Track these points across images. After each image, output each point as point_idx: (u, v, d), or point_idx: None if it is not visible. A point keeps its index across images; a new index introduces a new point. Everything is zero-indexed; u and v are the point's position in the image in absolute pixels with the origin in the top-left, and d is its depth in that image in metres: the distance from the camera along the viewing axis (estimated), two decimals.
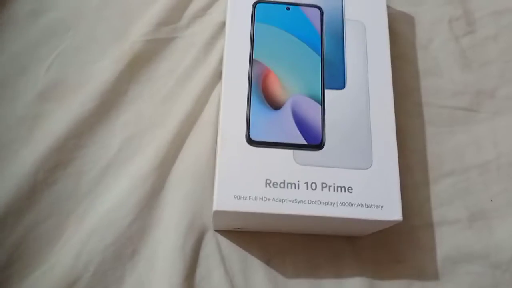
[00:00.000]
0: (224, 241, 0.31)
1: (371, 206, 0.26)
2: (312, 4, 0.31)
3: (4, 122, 0.32)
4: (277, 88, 0.29)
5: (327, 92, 0.29)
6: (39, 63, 0.34)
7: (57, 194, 0.30)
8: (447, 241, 0.32)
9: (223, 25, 0.35)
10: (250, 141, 0.27)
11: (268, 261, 0.31)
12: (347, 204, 0.26)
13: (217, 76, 0.34)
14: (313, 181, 0.26)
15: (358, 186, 0.27)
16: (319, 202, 0.26)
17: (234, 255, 0.30)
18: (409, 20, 0.38)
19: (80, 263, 0.28)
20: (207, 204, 0.31)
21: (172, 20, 0.36)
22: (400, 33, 0.37)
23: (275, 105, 0.28)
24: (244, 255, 0.31)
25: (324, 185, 0.26)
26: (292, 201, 0.26)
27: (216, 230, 0.31)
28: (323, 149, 0.27)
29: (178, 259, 0.29)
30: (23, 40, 0.34)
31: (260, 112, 0.28)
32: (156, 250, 0.30)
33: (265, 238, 0.31)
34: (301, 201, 0.26)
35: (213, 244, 0.30)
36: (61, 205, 0.30)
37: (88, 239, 0.29)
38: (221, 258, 0.30)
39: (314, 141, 0.28)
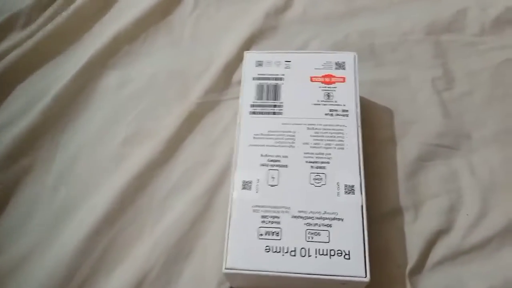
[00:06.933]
0: None
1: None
2: None
3: (99, 159, 0.45)
4: None
5: None
6: (123, 119, 0.47)
7: (136, 209, 0.42)
8: None
9: None
10: None
11: None
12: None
13: None
14: None
15: None
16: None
17: None
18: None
19: (153, 256, 0.39)
20: None
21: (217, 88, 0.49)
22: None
23: None
24: None
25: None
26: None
27: None
28: None
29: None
30: (113, 103, 0.49)
31: None
32: (205, 252, 0.39)
33: None
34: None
35: None
36: (139, 217, 0.41)
37: (159, 239, 0.39)
38: None
39: None
